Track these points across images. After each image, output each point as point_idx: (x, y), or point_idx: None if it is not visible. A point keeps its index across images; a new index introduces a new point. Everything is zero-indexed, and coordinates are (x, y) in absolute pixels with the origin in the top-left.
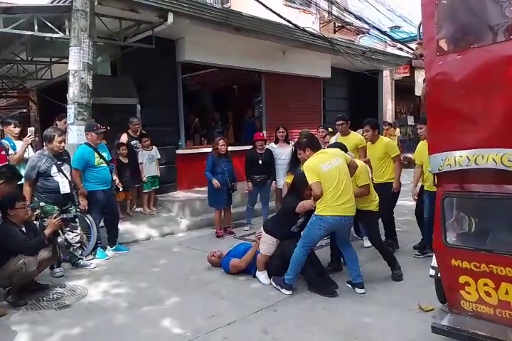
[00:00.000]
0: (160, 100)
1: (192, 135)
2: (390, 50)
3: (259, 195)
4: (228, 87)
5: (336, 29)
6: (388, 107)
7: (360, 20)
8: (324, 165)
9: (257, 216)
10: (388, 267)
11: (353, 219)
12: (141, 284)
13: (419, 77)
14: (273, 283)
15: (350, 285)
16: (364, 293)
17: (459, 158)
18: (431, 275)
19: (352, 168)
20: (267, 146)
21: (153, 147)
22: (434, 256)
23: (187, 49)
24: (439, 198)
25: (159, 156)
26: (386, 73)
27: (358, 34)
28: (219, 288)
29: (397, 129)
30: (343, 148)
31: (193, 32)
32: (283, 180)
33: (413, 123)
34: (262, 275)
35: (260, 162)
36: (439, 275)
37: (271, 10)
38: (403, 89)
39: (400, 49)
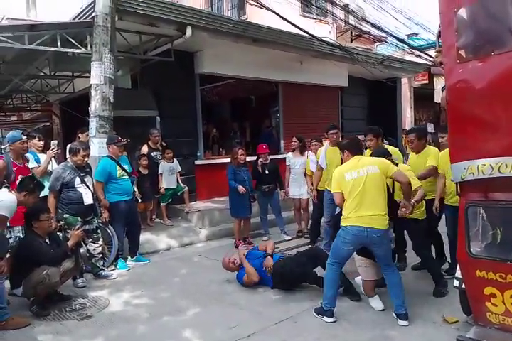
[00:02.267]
0: (179, 112)
1: (210, 145)
2: (408, 57)
3: (269, 206)
4: (246, 97)
5: (353, 38)
6: (407, 115)
7: (378, 29)
8: (348, 174)
9: (273, 226)
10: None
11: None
12: (162, 294)
13: (439, 84)
14: (314, 313)
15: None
16: (407, 326)
17: (482, 167)
18: (455, 287)
19: (401, 182)
20: (289, 154)
21: (175, 159)
22: (458, 267)
23: (205, 61)
24: (462, 208)
25: (180, 169)
26: (405, 81)
27: (376, 42)
28: (238, 299)
29: None
30: (387, 153)
31: (211, 44)
32: (298, 189)
33: (433, 131)
34: (375, 301)
35: (267, 172)
36: (463, 286)
37: (287, 21)
38: (422, 97)
39: (418, 56)
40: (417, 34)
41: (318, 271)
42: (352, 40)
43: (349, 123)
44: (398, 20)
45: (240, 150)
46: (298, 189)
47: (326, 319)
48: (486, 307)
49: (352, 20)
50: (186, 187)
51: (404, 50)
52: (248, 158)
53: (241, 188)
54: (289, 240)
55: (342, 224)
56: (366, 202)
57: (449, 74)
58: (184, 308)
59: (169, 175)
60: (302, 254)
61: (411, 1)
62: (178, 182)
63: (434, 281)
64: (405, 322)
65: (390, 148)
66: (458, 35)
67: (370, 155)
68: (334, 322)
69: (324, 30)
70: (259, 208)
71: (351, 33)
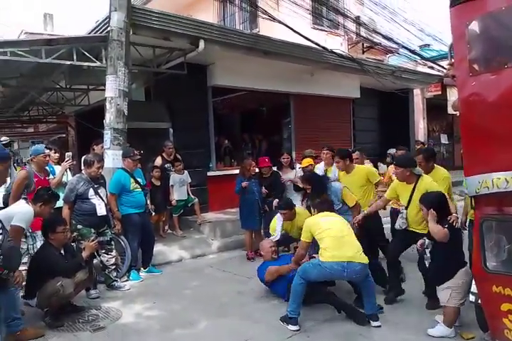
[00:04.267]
0: (191, 124)
1: (222, 157)
2: (420, 68)
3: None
4: (257, 109)
5: (365, 49)
6: (420, 126)
7: (389, 40)
8: (323, 218)
9: None
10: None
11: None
12: (174, 306)
13: (452, 95)
14: (280, 322)
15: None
16: (379, 326)
17: (497, 180)
18: (471, 302)
19: None
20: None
21: (185, 171)
22: (473, 282)
23: (218, 74)
24: (478, 222)
25: (190, 180)
26: (417, 92)
27: (387, 54)
28: (252, 312)
29: None
30: (412, 163)
31: (224, 57)
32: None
33: (447, 142)
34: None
35: (264, 187)
36: (479, 301)
37: (299, 33)
38: (435, 108)
39: (431, 67)
40: (429, 45)
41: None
42: (363, 52)
43: (361, 134)
44: (410, 32)
45: (252, 162)
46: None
47: (291, 327)
48: (503, 323)
49: (363, 32)
50: (196, 199)
51: (416, 61)
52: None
53: (244, 183)
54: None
55: (320, 258)
56: (345, 243)
57: (462, 87)
58: (196, 321)
59: (180, 186)
60: None
61: (422, 13)
62: (188, 193)
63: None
64: (377, 323)
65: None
66: (470, 48)
67: (395, 163)
68: (298, 330)
69: (336, 42)
70: (263, 222)
71: (363, 44)
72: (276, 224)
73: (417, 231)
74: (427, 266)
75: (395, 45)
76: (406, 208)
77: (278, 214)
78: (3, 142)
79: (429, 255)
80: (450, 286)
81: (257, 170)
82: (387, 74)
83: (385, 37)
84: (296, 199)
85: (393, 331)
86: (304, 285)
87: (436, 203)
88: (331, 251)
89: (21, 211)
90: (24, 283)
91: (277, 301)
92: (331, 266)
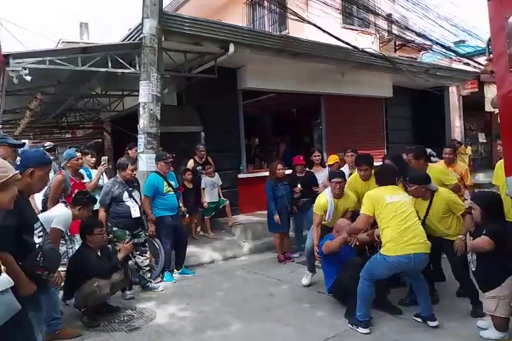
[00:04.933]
0: (222, 127)
1: (252, 158)
2: (455, 65)
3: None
4: (288, 110)
5: (397, 47)
6: (456, 124)
7: (422, 37)
8: (388, 197)
9: None
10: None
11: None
12: (206, 308)
13: (489, 92)
14: (348, 324)
15: (420, 319)
16: (437, 326)
17: None
18: None
19: None
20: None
21: (216, 174)
22: None
23: (248, 77)
24: None
25: (221, 183)
26: (453, 89)
27: (420, 51)
28: (283, 315)
29: (468, 147)
30: (426, 180)
31: (253, 60)
32: None
33: (485, 141)
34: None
35: (299, 186)
36: None
37: (329, 33)
38: (472, 105)
39: (467, 64)
40: (464, 41)
41: None
42: (396, 50)
43: (394, 134)
44: (443, 28)
45: (278, 165)
46: None
47: (361, 330)
48: None
49: (395, 29)
50: (227, 201)
51: (451, 58)
52: (290, 171)
53: (276, 218)
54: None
55: (385, 252)
56: (409, 227)
57: (501, 84)
58: (228, 323)
59: (211, 189)
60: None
61: (457, 8)
62: (219, 195)
63: (472, 302)
64: (435, 323)
65: (437, 169)
66: (509, 43)
67: (409, 180)
68: (369, 333)
69: (367, 41)
70: (294, 223)
71: (395, 42)
72: (328, 202)
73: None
74: (473, 270)
75: (428, 42)
76: (423, 224)
77: (326, 190)
78: (48, 147)
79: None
80: (497, 296)
81: (286, 172)
82: (421, 72)
83: (417, 34)
84: None
85: (437, 337)
86: (370, 287)
87: (487, 203)
88: (396, 243)
89: (60, 214)
90: (63, 284)
91: (308, 304)
92: (398, 260)
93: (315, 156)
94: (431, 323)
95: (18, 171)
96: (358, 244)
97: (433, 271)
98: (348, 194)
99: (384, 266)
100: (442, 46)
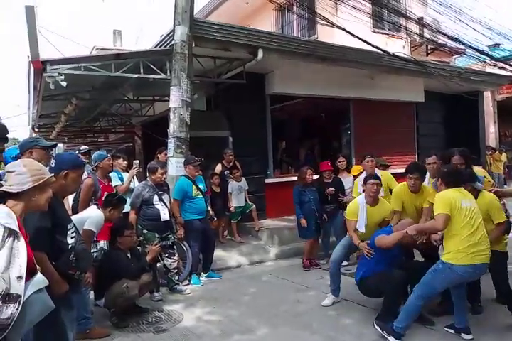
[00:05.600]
0: (250, 132)
1: (279, 162)
2: (489, 69)
3: (332, 227)
4: (316, 115)
5: (429, 51)
6: (490, 130)
7: (455, 41)
8: (462, 201)
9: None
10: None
11: None
12: (232, 312)
13: None
14: (377, 328)
15: (452, 331)
16: (472, 340)
17: None
18: None
19: None
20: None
21: (243, 178)
22: None
23: (276, 81)
24: None
25: (247, 187)
26: (487, 94)
27: (453, 55)
28: (310, 321)
29: (503, 154)
30: (472, 179)
31: (282, 65)
32: None
33: None
34: None
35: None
36: None
37: (358, 38)
38: (507, 111)
39: (502, 68)
40: (499, 45)
41: None
42: (428, 54)
43: (426, 139)
44: (477, 31)
45: (308, 170)
46: None
47: (392, 340)
48: None
49: (427, 33)
50: (254, 205)
51: (485, 61)
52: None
53: (303, 222)
54: (346, 266)
55: (449, 260)
56: (478, 234)
57: None
58: (254, 328)
59: (238, 193)
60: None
61: (492, 11)
62: (246, 200)
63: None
64: (470, 336)
65: (479, 170)
66: None
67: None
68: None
69: (398, 45)
70: (321, 229)
71: (426, 46)
72: (360, 211)
73: None
74: None
75: (461, 46)
76: None
77: (359, 197)
78: (83, 151)
79: None
80: None
81: (314, 177)
82: (454, 76)
83: (450, 38)
84: None
85: None
86: (421, 306)
87: None
88: (465, 254)
89: (93, 215)
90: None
91: (335, 312)
92: (465, 270)
93: (340, 162)
94: (465, 336)
95: (52, 174)
96: (425, 241)
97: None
98: (383, 201)
99: (448, 276)
100: (476, 50)
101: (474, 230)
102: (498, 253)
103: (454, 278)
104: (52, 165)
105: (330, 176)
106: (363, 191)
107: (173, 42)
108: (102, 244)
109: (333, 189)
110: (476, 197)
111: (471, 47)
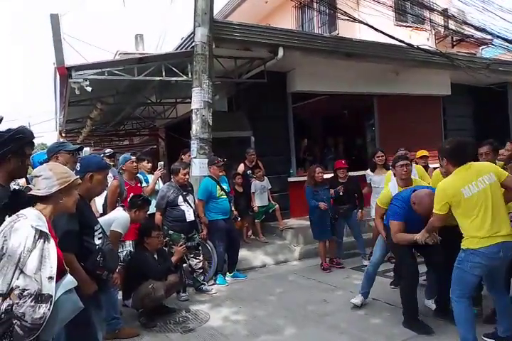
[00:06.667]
0: (272, 131)
1: (302, 161)
2: None
3: (348, 227)
4: (339, 112)
5: (454, 43)
6: None
7: (482, 32)
8: (465, 189)
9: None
10: None
11: None
12: (259, 312)
13: None
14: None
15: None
16: None
17: None
18: None
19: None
20: (368, 172)
21: (265, 177)
22: None
23: (297, 80)
24: None
25: (270, 186)
26: None
27: (480, 46)
28: (337, 322)
29: None
30: None
31: (303, 62)
32: None
33: None
34: None
35: (341, 192)
36: None
37: (381, 32)
38: None
39: None
40: None
41: None
42: (453, 46)
43: (453, 134)
44: (506, 20)
45: (317, 168)
46: None
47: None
48: None
49: (452, 24)
50: (277, 205)
51: None
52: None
53: (322, 205)
54: (360, 266)
55: (469, 246)
56: (493, 217)
57: None
58: (282, 328)
59: (261, 193)
60: None
61: None
62: (269, 199)
63: None
64: None
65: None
66: None
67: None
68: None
69: (422, 38)
70: (334, 230)
71: (452, 38)
72: (392, 192)
73: None
74: None
75: (488, 37)
76: None
77: (390, 183)
78: (108, 154)
79: None
80: None
81: (325, 176)
82: (482, 67)
83: (476, 28)
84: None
85: None
86: (468, 306)
87: None
88: (481, 237)
89: (119, 217)
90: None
91: (363, 312)
92: (488, 250)
93: (378, 157)
94: None
95: (78, 176)
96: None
97: None
98: (418, 181)
99: (473, 263)
100: (504, 40)
101: (487, 213)
102: None
103: (481, 263)
104: (78, 169)
105: (345, 175)
106: (394, 175)
107: (193, 44)
108: (128, 244)
109: (341, 187)
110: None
111: (499, 37)
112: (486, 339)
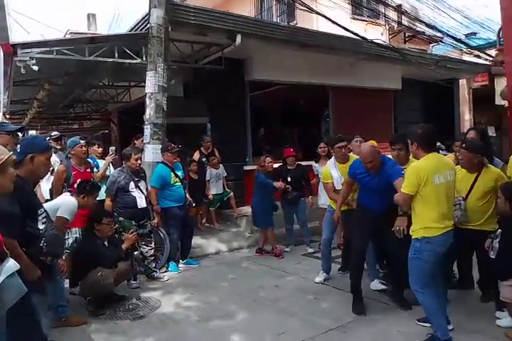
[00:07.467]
0: (229, 118)
1: (259, 149)
2: (466, 57)
3: (295, 215)
4: (295, 102)
5: (407, 39)
6: (466, 118)
7: (433, 29)
8: (435, 177)
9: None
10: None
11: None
12: (211, 298)
13: (499, 84)
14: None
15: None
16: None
17: None
18: None
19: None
20: (314, 164)
21: (221, 165)
22: None
23: (255, 68)
24: None
25: (225, 174)
26: (463, 82)
27: (431, 43)
28: (288, 306)
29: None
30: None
31: (261, 51)
32: (326, 199)
33: (494, 135)
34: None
35: (289, 179)
36: None
37: (337, 24)
38: (482, 99)
39: (478, 56)
40: (475, 33)
41: None
42: (405, 42)
43: (403, 127)
44: (455, 20)
45: (267, 158)
46: (326, 198)
47: None
48: None
49: (405, 20)
50: (232, 193)
51: (461, 50)
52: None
53: (279, 183)
54: (312, 253)
55: (424, 234)
56: (450, 210)
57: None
58: (233, 313)
59: (216, 181)
60: None
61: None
62: (224, 187)
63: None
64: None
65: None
66: None
67: (467, 148)
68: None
69: (376, 32)
70: (284, 217)
71: (404, 34)
72: (330, 169)
73: (470, 227)
74: (492, 257)
75: (439, 34)
76: (464, 199)
77: (330, 160)
78: (54, 136)
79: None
80: None
81: (275, 165)
82: (431, 64)
83: (428, 25)
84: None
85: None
86: (431, 294)
87: None
88: (437, 225)
89: (66, 203)
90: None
91: (313, 296)
92: (442, 238)
93: (320, 148)
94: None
95: (11, 152)
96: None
97: (460, 274)
98: (353, 157)
99: (430, 252)
100: (453, 38)
101: (446, 205)
102: (484, 233)
103: (437, 250)
104: (18, 150)
105: (293, 163)
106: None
107: (148, 26)
108: (75, 231)
109: (281, 184)
110: (479, 173)
111: (448, 35)
112: (419, 323)
